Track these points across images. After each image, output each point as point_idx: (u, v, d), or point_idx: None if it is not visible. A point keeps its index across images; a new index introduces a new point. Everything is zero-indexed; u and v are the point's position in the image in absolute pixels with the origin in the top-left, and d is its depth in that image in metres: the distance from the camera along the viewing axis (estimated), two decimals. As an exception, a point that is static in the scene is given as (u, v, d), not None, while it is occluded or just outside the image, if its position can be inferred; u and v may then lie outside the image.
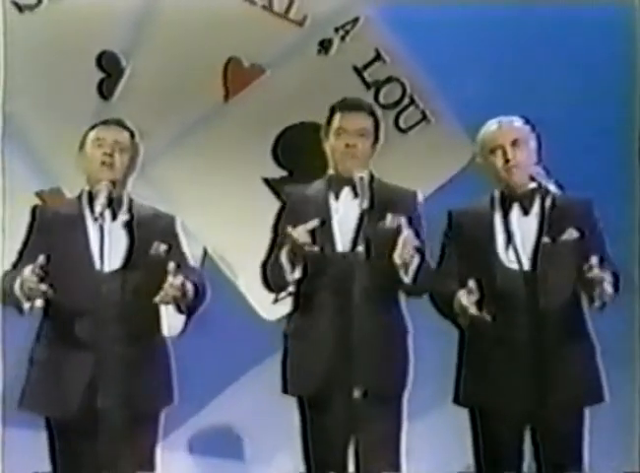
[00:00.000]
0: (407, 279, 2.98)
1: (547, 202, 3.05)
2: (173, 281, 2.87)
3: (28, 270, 2.83)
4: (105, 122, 3.14)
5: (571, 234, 3.02)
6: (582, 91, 4.23)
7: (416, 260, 2.97)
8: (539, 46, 4.23)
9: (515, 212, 3.05)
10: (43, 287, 2.83)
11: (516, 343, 2.95)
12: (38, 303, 2.99)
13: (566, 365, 2.96)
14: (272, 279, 3.10)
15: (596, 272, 2.86)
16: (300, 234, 2.95)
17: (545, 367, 2.92)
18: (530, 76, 4.19)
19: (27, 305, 2.91)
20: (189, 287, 2.94)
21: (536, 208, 3.05)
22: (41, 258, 2.84)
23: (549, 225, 3.02)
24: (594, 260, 2.87)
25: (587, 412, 3.05)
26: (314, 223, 2.97)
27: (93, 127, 3.13)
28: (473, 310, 2.89)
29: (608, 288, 2.87)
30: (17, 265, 3.02)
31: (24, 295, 2.88)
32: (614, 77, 4.24)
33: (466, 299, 2.89)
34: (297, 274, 3.02)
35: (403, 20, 4.17)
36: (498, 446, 3.04)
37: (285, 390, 3.14)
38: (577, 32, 4.24)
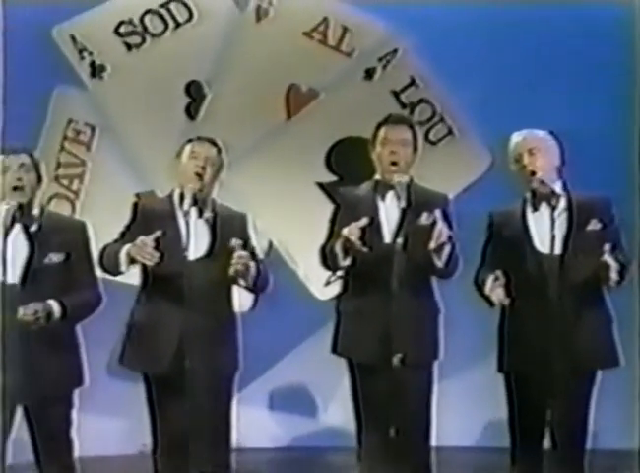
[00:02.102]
0: (440, 264, 2.94)
1: (572, 199, 2.99)
2: (239, 253, 2.88)
3: (147, 238, 2.82)
4: (200, 138, 3.10)
5: (595, 224, 2.96)
6: (582, 91, 4.10)
7: (447, 248, 2.93)
8: (540, 49, 4.12)
9: (544, 208, 2.98)
10: (157, 254, 2.82)
11: (547, 315, 2.88)
12: (132, 271, 2.95)
13: (587, 333, 2.91)
14: (328, 262, 3.07)
15: (606, 258, 2.83)
16: (352, 229, 2.90)
17: (570, 335, 2.87)
18: (534, 81, 4.10)
19: (124, 268, 2.90)
20: (252, 264, 2.92)
21: (562, 203, 2.98)
22: (159, 232, 2.84)
23: (576, 217, 2.96)
24: (607, 247, 2.84)
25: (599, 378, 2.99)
26: (365, 221, 2.92)
27: (189, 141, 3.10)
28: (495, 297, 2.88)
29: (614, 274, 2.82)
30: (116, 243, 2.98)
31: (128, 258, 2.87)
32: (614, 77, 4.07)
33: (489, 287, 2.88)
34: (348, 262, 2.99)
35: (433, 51, 4.19)
36: (528, 408, 2.97)
37: (334, 350, 3.11)
38: (577, 32, 4.10)
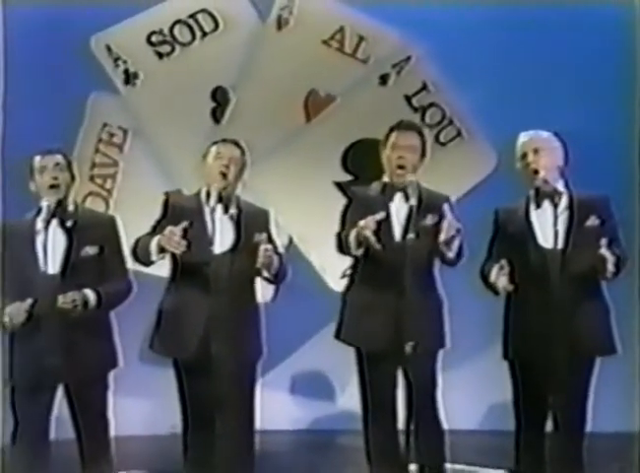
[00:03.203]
0: (451, 254, 2.93)
1: (573, 197, 2.97)
2: (266, 246, 2.90)
3: (175, 228, 2.84)
4: (224, 141, 3.11)
5: (594, 221, 2.95)
6: (582, 91, 4.05)
7: (457, 239, 2.93)
8: (543, 52, 4.08)
9: (546, 205, 2.97)
10: (184, 242, 2.84)
11: (549, 305, 2.88)
12: (161, 263, 2.97)
13: (586, 322, 2.90)
14: (343, 248, 3.06)
15: (603, 251, 2.83)
16: (369, 222, 2.90)
17: (570, 324, 2.87)
18: (538, 84, 4.07)
19: (155, 258, 2.92)
20: (275, 257, 2.94)
21: (564, 201, 2.97)
22: (186, 223, 2.86)
23: (577, 214, 2.95)
24: (603, 242, 2.84)
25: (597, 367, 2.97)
26: (382, 214, 2.93)
27: (215, 143, 3.10)
28: (499, 284, 2.88)
29: (610, 266, 2.82)
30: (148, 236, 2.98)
31: (158, 248, 2.89)
32: (615, 77, 4.01)
33: (494, 275, 2.88)
34: (360, 252, 2.98)
35: (444, 58, 4.20)
36: (531, 393, 2.98)
37: (337, 336, 3.10)
38: (576, 32, 4.05)
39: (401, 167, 3.04)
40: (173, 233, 2.85)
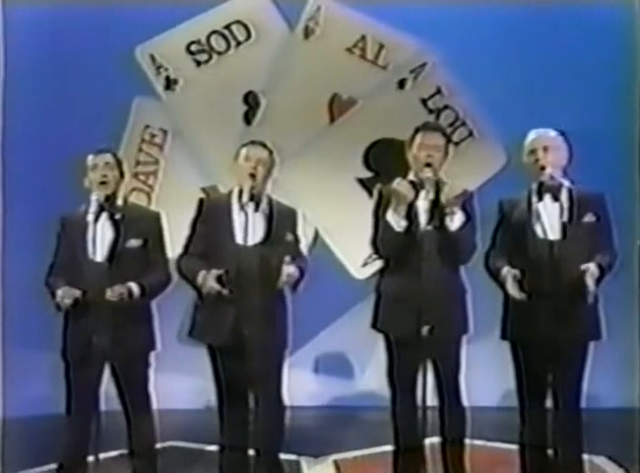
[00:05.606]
0: (452, 226, 2.90)
1: (572, 193, 2.95)
2: (288, 268, 2.88)
3: (209, 275, 2.85)
4: (253, 143, 3.09)
5: (590, 217, 2.94)
6: (584, 91, 4.01)
7: (459, 213, 2.89)
8: (548, 55, 4.07)
9: (547, 199, 2.96)
10: (217, 286, 2.85)
11: (545, 292, 2.87)
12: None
13: (577, 310, 2.89)
14: (384, 242, 2.98)
15: (586, 266, 2.83)
16: (402, 182, 2.90)
17: (563, 310, 2.85)
18: (544, 85, 4.06)
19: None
20: (297, 274, 2.92)
21: (564, 196, 2.95)
22: (221, 271, 2.87)
23: (575, 209, 2.93)
24: (592, 264, 2.83)
25: (591, 351, 2.96)
26: (406, 180, 2.96)
27: (244, 145, 3.09)
28: (516, 296, 2.89)
29: (589, 281, 2.81)
30: (187, 247, 3.00)
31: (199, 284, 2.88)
32: (614, 77, 3.97)
33: (510, 286, 2.88)
34: (404, 222, 2.92)
35: (457, 65, 4.23)
36: (532, 372, 2.96)
37: (374, 326, 3.07)
38: (576, 32, 4.03)
39: (428, 164, 3.01)
40: (207, 279, 2.88)
